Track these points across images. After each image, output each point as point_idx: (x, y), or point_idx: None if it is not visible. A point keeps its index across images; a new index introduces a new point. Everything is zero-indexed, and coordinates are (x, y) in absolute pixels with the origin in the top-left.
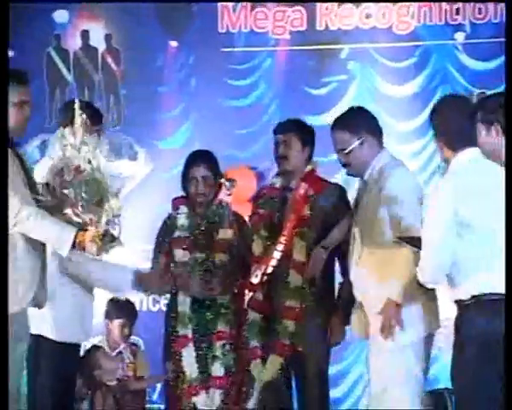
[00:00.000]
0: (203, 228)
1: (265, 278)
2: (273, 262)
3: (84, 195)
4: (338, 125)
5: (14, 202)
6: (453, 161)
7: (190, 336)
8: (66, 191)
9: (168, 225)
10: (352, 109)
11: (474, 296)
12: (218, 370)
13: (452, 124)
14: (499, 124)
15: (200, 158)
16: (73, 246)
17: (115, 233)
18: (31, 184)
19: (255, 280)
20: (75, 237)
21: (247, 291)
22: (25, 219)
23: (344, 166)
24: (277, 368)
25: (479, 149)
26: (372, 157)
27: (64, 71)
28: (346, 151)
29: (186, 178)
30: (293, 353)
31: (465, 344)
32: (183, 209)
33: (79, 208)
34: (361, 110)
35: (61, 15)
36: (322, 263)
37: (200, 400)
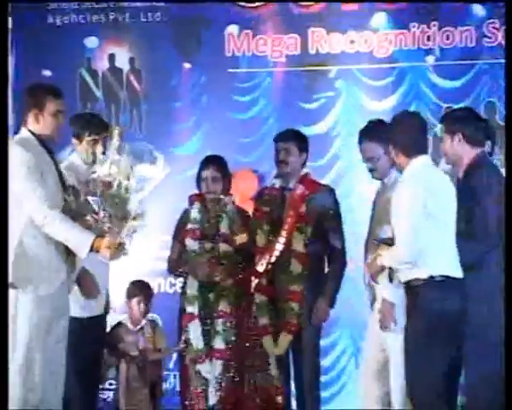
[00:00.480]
0: (211, 221)
1: (269, 266)
2: (276, 253)
3: (108, 208)
4: (365, 137)
5: (43, 207)
6: (409, 166)
7: (196, 313)
8: (90, 199)
9: (183, 219)
10: (374, 122)
11: (431, 277)
12: (219, 343)
13: (407, 135)
14: (461, 133)
15: (211, 161)
16: (90, 250)
17: (127, 246)
18: (62, 185)
19: (260, 268)
20: (93, 242)
21: (253, 278)
22: (51, 223)
23: (370, 171)
24: (288, 344)
25: (429, 157)
26: (392, 165)
27: (94, 88)
28: (375, 158)
29: (199, 178)
30: (299, 331)
31: (418, 318)
32: (197, 205)
33: (101, 217)
34: (382, 123)
35: (91, 41)
36: (326, 314)
37: (203, 367)
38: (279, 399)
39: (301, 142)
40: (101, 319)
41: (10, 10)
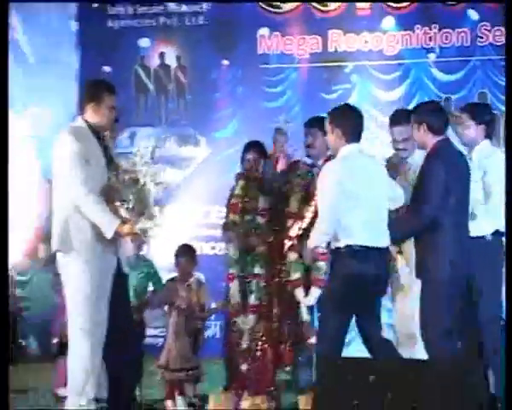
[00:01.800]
0: (252, 197)
1: (301, 231)
2: (306, 220)
3: (132, 199)
4: (395, 121)
5: (81, 190)
6: (343, 149)
7: (236, 274)
8: (120, 188)
9: (230, 195)
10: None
11: (347, 245)
12: (253, 300)
13: (349, 123)
14: (426, 124)
15: (252, 145)
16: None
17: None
18: (111, 168)
19: (293, 233)
20: (117, 227)
21: (286, 241)
22: (86, 204)
23: (397, 149)
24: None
25: (359, 145)
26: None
27: (146, 82)
28: (404, 138)
29: (243, 159)
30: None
31: (334, 279)
32: (241, 182)
33: (124, 206)
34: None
35: (144, 42)
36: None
37: (240, 320)
38: (312, 340)
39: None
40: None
41: (76, 15)
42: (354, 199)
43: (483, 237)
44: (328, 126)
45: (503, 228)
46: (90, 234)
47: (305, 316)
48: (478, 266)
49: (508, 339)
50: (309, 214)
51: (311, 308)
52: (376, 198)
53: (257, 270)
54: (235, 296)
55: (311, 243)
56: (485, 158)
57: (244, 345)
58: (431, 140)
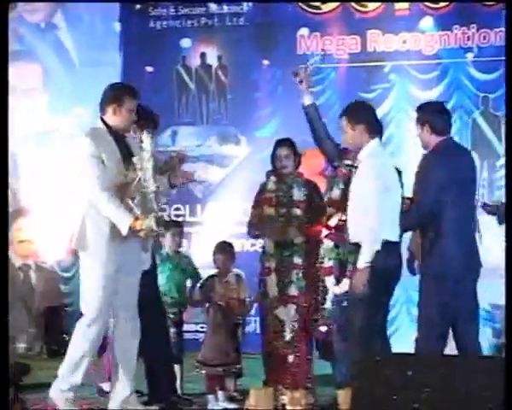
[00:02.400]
0: (285, 190)
1: (340, 222)
2: (347, 212)
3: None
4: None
5: (96, 188)
6: (372, 145)
7: (273, 268)
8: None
9: (261, 190)
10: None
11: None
12: (293, 290)
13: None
14: (429, 125)
15: (284, 142)
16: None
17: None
18: (126, 162)
19: (332, 223)
20: (131, 223)
21: (324, 230)
22: (101, 202)
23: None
24: (347, 288)
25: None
26: None
27: (188, 82)
28: None
29: (274, 156)
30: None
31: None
32: (272, 178)
33: (134, 204)
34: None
35: (186, 42)
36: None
37: (280, 311)
38: (323, 328)
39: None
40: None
41: (119, 17)
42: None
43: None
44: (347, 123)
45: None
46: (107, 232)
47: (329, 304)
48: None
49: (508, 339)
50: (349, 207)
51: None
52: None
53: (296, 260)
54: (273, 289)
55: (365, 258)
56: None
57: (287, 337)
58: (434, 140)
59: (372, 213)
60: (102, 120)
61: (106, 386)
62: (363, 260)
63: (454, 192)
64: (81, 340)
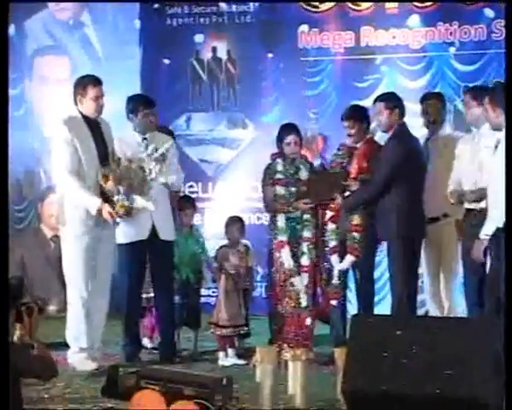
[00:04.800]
0: (293, 172)
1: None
2: (346, 194)
3: (133, 182)
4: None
5: (64, 173)
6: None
7: (285, 240)
8: (118, 172)
9: (270, 171)
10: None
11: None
12: (305, 261)
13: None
14: (399, 109)
15: (290, 129)
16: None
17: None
18: (102, 154)
19: (336, 204)
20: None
21: (328, 211)
22: (68, 186)
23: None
24: (350, 263)
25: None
26: None
27: (201, 73)
28: None
29: (280, 140)
30: (360, 255)
31: None
32: (279, 161)
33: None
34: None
35: (199, 37)
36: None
37: (295, 280)
38: (334, 302)
39: (363, 115)
40: (144, 243)
41: (139, 14)
42: None
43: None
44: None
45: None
46: (83, 211)
47: (335, 280)
48: None
49: (507, 341)
50: (348, 190)
51: (344, 275)
52: None
53: (306, 234)
54: (289, 261)
55: (488, 230)
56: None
57: (304, 302)
58: (395, 123)
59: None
60: (78, 110)
61: (148, 343)
62: (486, 231)
63: (408, 173)
64: (73, 309)
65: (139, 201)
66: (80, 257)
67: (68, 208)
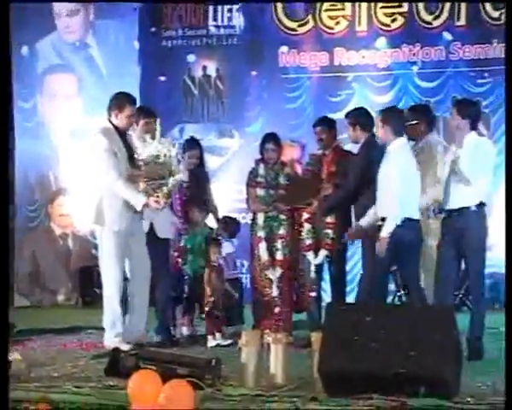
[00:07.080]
0: (272, 176)
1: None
2: (319, 197)
3: (153, 173)
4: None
5: (113, 175)
6: (397, 142)
7: (263, 237)
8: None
9: (252, 175)
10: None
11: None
12: (279, 256)
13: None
14: (358, 124)
15: (270, 138)
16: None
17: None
18: (131, 160)
19: (312, 208)
20: (145, 201)
21: (304, 213)
22: (117, 186)
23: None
24: (324, 258)
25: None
26: None
27: (193, 88)
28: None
29: (262, 148)
30: (332, 249)
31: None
32: (261, 166)
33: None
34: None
35: (191, 57)
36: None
37: (269, 272)
38: (312, 294)
39: (332, 125)
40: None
41: (137, 36)
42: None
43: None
44: (379, 123)
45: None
46: (120, 210)
47: (312, 274)
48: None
49: (507, 341)
50: (321, 193)
51: (319, 269)
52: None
53: (281, 232)
54: (264, 255)
55: (387, 229)
56: (474, 147)
57: (274, 292)
58: (361, 136)
59: (395, 194)
60: (110, 121)
61: (185, 330)
62: (386, 231)
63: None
64: (109, 300)
65: (171, 181)
66: (116, 251)
67: (106, 209)
